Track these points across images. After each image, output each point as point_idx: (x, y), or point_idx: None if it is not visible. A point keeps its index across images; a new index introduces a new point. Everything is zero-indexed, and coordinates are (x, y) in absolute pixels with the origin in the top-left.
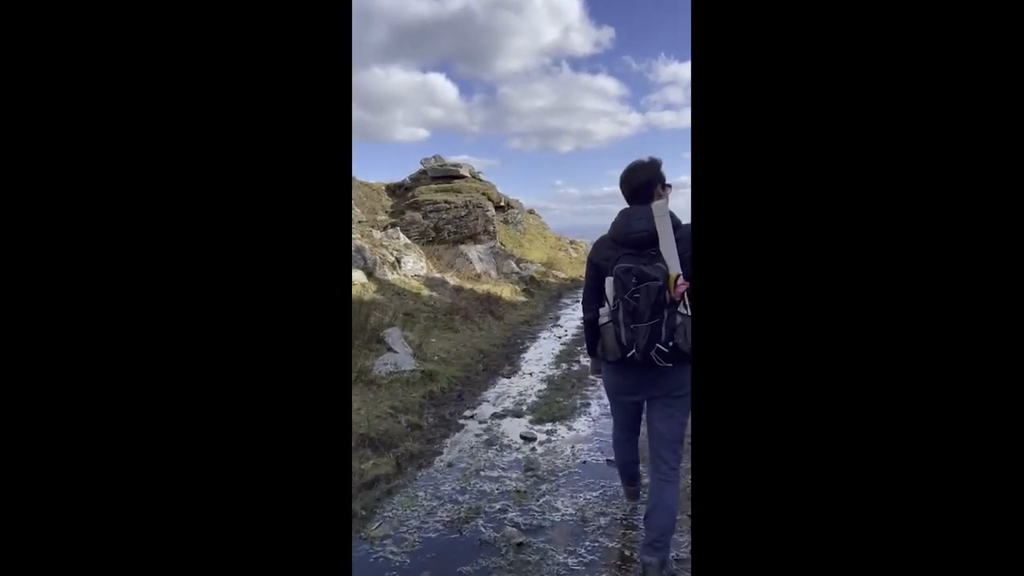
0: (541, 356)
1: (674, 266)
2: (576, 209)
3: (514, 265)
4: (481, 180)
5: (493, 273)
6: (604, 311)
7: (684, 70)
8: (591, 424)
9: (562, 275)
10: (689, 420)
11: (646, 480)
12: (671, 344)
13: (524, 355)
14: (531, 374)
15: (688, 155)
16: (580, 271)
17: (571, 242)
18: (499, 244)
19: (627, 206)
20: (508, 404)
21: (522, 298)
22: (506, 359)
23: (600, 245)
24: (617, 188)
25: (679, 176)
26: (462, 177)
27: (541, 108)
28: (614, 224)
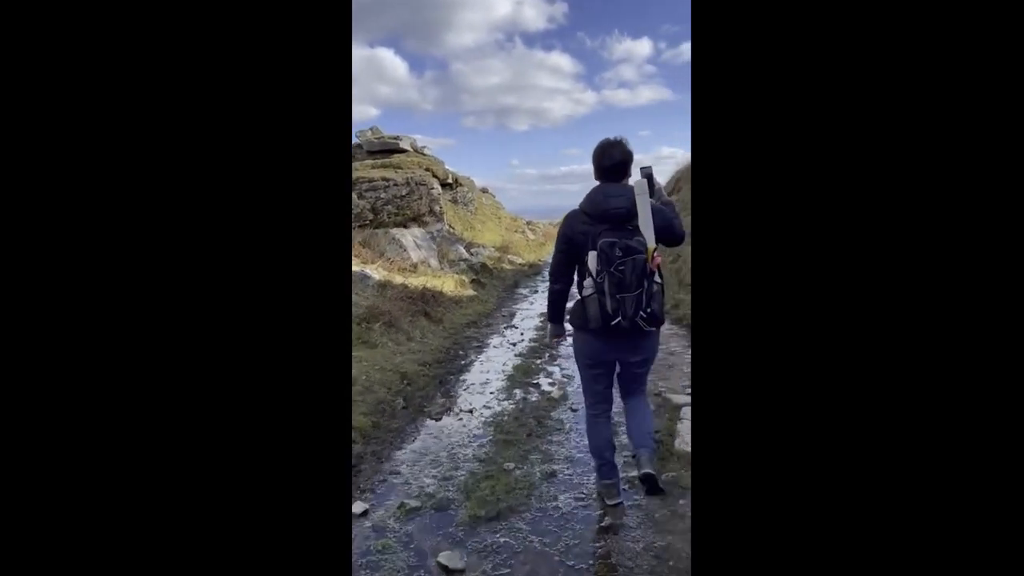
0: (488, 377)
1: (651, 240)
2: (533, 189)
3: (463, 251)
4: (425, 154)
5: (433, 262)
6: (588, 283)
7: (637, 47)
8: (559, 525)
9: (519, 260)
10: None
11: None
12: (649, 310)
13: (465, 376)
14: (472, 411)
15: (644, 133)
16: (539, 254)
17: (528, 223)
18: (447, 226)
19: (597, 183)
20: (428, 480)
21: (469, 291)
22: (439, 386)
23: (573, 219)
24: (575, 167)
25: (635, 155)
26: (403, 151)
27: (495, 85)
28: (590, 200)
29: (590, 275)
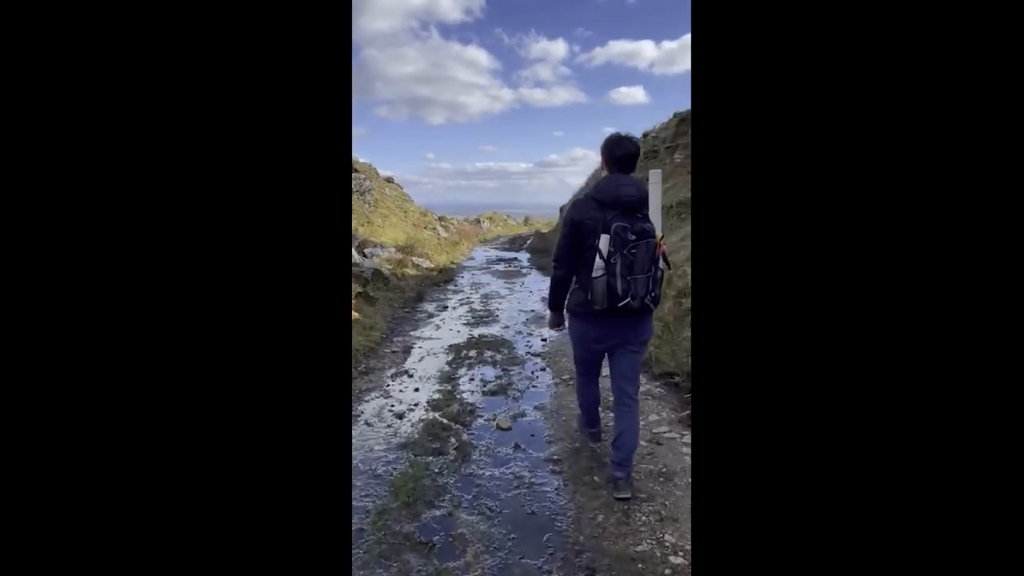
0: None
1: (659, 228)
2: (449, 184)
3: (353, 252)
4: None
5: None
6: (598, 264)
7: (553, 48)
8: None
9: (426, 264)
10: (643, 357)
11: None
12: (655, 293)
13: None
14: None
15: (559, 134)
16: (452, 255)
17: (440, 218)
18: None
19: (605, 173)
20: None
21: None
22: None
23: (584, 206)
24: (490, 164)
25: (549, 155)
26: None
27: (410, 75)
28: (600, 188)
29: (601, 257)
